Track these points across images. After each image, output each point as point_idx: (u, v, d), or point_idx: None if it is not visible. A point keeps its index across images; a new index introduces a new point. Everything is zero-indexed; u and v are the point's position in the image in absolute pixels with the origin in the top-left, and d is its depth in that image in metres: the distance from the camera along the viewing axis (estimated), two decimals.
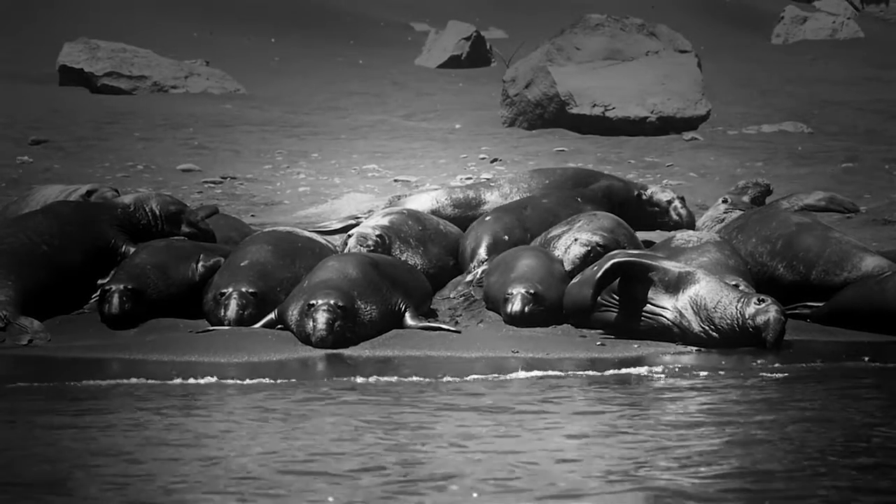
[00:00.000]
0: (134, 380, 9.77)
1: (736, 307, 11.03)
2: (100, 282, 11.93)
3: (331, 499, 6.47)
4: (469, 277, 12.67)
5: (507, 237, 13.00)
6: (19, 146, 20.56)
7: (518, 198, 14.07)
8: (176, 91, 27.70)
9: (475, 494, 6.56)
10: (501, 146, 21.80)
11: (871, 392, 9.70)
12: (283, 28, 35.19)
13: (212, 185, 18.36)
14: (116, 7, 34.47)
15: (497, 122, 24.26)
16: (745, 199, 15.27)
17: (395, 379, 9.96)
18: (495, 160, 20.33)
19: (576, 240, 12.40)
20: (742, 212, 14.12)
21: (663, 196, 14.80)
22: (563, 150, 21.41)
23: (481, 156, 20.78)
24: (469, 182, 16.97)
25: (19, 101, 24.53)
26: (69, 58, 27.95)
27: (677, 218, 14.57)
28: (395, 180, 18.72)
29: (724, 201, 14.78)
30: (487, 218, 13.36)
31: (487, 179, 17.07)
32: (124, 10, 34.24)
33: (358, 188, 17.94)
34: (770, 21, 38.46)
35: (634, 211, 13.75)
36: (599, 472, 6.95)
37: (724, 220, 14.25)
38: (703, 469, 7.03)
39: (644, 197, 14.18)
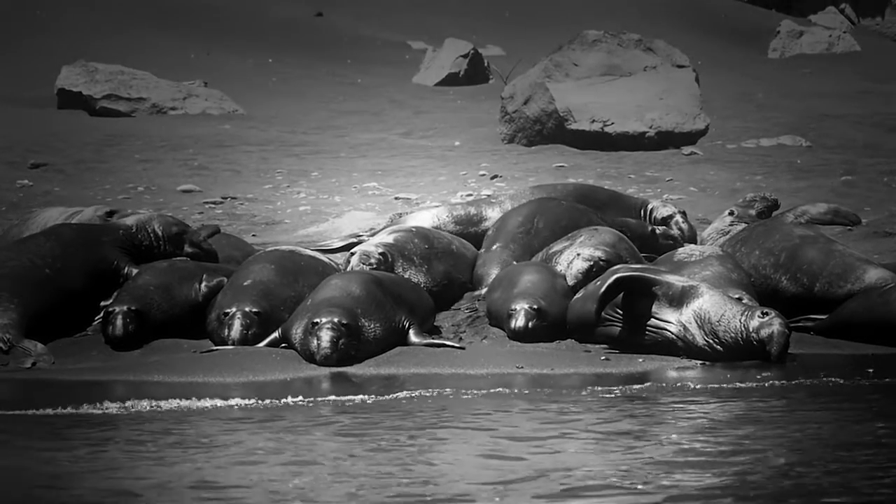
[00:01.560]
0: (145, 403, 9.74)
1: (740, 320, 11.02)
2: (103, 303, 11.92)
3: None
4: (477, 293, 12.72)
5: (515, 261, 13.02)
6: (19, 170, 20.55)
7: None
8: (175, 112, 27.69)
9: None
10: (501, 163, 21.80)
11: (874, 406, 9.69)
12: (281, 48, 35.21)
13: (212, 205, 18.35)
14: (114, 30, 34.49)
15: (496, 138, 24.25)
16: (752, 212, 15.27)
17: (403, 395, 9.97)
18: (495, 177, 20.33)
19: (578, 255, 12.40)
20: (747, 224, 14.12)
21: (664, 211, 14.83)
22: (562, 166, 21.41)
23: (481, 172, 20.78)
24: (470, 199, 16.98)
25: (18, 125, 24.50)
26: (67, 81, 27.94)
27: (678, 232, 14.58)
28: (396, 198, 18.72)
29: (731, 213, 14.79)
30: (496, 246, 13.30)
31: (488, 196, 17.08)
32: (122, 32, 34.26)
33: (358, 206, 17.94)
34: (766, 35, 38.50)
35: (649, 247, 13.70)
36: (606, 485, 6.95)
37: (728, 232, 14.26)
38: (707, 484, 7.02)
39: (658, 232, 14.16)
